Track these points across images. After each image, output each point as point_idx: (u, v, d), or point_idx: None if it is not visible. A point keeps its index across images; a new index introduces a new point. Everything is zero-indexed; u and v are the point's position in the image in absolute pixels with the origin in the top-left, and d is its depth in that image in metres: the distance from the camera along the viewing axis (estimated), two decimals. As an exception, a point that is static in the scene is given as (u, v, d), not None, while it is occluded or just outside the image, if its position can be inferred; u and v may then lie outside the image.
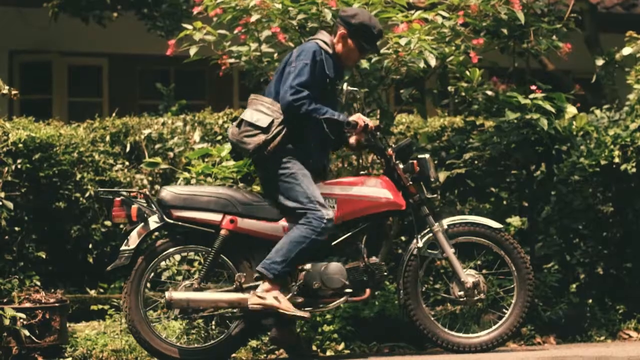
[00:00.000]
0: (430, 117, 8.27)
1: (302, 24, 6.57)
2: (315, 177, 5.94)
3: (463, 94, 7.13)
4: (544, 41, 7.13)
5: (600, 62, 8.45)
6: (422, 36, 6.38)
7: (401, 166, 6.03)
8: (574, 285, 7.55)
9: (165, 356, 5.82)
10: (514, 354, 6.03)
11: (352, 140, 6.10)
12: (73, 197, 7.40)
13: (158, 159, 7.20)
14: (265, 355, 6.34)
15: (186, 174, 6.97)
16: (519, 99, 6.84)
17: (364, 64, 6.59)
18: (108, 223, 7.47)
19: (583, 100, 9.08)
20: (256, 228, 5.87)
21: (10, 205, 6.42)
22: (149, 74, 12.20)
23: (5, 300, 6.13)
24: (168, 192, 5.88)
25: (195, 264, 6.51)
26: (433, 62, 6.44)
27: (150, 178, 7.93)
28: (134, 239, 5.80)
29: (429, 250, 6.08)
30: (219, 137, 8.06)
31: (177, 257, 6.42)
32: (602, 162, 7.45)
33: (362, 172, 6.86)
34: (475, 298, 6.01)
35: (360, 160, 7.02)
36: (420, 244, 6.04)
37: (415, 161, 6.03)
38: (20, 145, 7.04)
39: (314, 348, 6.36)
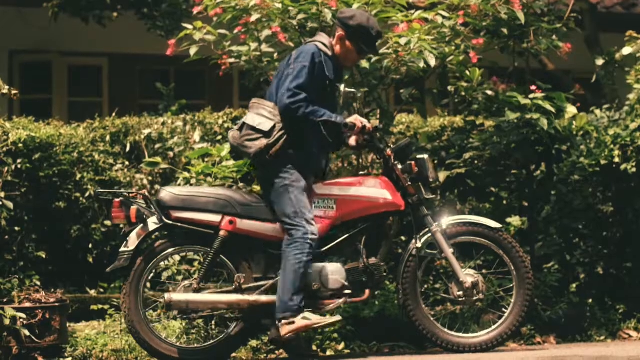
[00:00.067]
0: (430, 117, 8.27)
1: (302, 24, 6.57)
2: (315, 178, 5.94)
3: (463, 93, 7.12)
4: (544, 41, 7.13)
5: (600, 61, 8.45)
6: (422, 36, 6.38)
7: (400, 167, 6.02)
8: (574, 285, 7.56)
9: (165, 356, 5.82)
10: (514, 354, 6.02)
11: (352, 140, 6.09)
12: (73, 197, 7.40)
13: (158, 159, 7.19)
14: (265, 355, 6.34)
15: (186, 174, 6.97)
16: (519, 99, 6.84)
17: (364, 63, 6.58)
18: (108, 223, 7.47)
19: (583, 100, 9.08)
20: (255, 229, 5.86)
21: (10, 205, 6.41)
22: (149, 74, 12.18)
23: (5, 300, 6.12)
24: (167, 193, 5.87)
25: (195, 263, 6.52)
26: (433, 62, 6.43)
27: (150, 178, 7.93)
28: (133, 241, 5.79)
29: (428, 250, 6.07)
30: (219, 137, 8.06)
31: (177, 257, 6.43)
32: (602, 162, 7.45)
33: (361, 172, 6.85)
34: (474, 298, 6.00)
35: (360, 160, 7.02)
36: (419, 245, 6.03)
37: (413, 162, 6.01)
38: (20, 145, 7.04)
39: (314, 348, 6.36)
